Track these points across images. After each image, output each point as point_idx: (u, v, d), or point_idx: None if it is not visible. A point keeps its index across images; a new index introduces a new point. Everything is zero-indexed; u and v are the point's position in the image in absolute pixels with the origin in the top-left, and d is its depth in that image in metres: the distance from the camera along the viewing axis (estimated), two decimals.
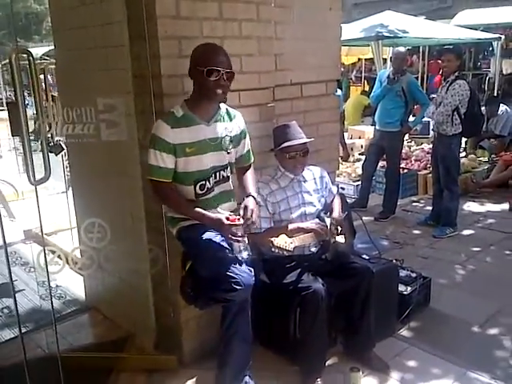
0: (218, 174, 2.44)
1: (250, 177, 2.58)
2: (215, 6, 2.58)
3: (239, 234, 2.29)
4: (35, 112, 2.54)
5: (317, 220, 2.72)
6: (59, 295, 3.70)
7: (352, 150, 7.56)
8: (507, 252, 4.51)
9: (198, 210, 2.33)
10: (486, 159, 6.90)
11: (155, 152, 2.27)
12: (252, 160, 2.66)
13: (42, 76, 3.53)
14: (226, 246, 2.34)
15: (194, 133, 2.33)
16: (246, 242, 2.43)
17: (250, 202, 2.40)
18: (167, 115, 2.32)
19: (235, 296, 2.30)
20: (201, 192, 2.40)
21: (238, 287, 2.23)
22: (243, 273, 2.28)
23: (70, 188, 3.63)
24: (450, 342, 3.10)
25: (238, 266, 2.29)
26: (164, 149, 2.27)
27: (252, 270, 2.36)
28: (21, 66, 2.33)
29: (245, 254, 2.45)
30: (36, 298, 3.53)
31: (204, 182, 2.39)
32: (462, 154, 6.55)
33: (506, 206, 5.73)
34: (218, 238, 2.32)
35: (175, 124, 2.28)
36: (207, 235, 2.32)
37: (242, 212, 2.34)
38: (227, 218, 2.28)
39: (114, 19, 2.57)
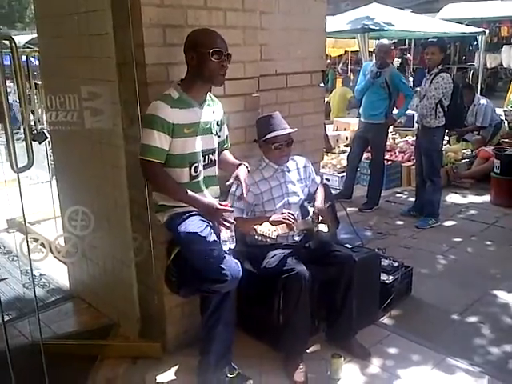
0: (207, 157, 2.48)
1: (228, 153, 2.65)
2: None
3: (230, 220, 2.32)
4: (18, 99, 2.53)
5: (284, 210, 2.71)
6: (43, 284, 3.69)
7: (337, 141, 7.60)
8: (488, 243, 4.60)
9: (190, 193, 2.35)
10: (470, 152, 7.01)
11: (152, 131, 2.26)
12: (229, 146, 2.71)
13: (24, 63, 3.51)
14: (215, 238, 2.35)
15: (190, 115, 2.35)
16: (233, 233, 2.46)
17: (241, 171, 2.48)
18: (164, 96, 2.31)
19: (222, 287, 2.32)
20: (195, 174, 2.42)
21: (225, 278, 2.25)
22: (231, 265, 2.30)
23: (54, 177, 3.61)
24: (430, 330, 3.16)
25: (226, 257, 2.31)
26: (163, 128, 2.26)
27: (239, 262, 2.39)
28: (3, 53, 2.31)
29: (232, 245, 2.48)
30: (19, 286, 3.52)
31: (197, 165, 2.42)
32: (446, 146, 6.65)
33: (487, 197, 5.83)
34: (208, 230, 2.32)
35: (174, 104, 2.29)
36: (198, 224, 2.33)
37: (231, 180, 2.44)
38: (220, 203, 2.32)
39: (98, 7, 2.55)
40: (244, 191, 2.45)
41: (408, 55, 14.08)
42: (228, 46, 2.36)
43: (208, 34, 2.35)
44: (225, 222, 2.31)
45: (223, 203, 2.35)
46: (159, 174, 2.33)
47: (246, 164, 2.56)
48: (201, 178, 2.46)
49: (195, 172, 2.42)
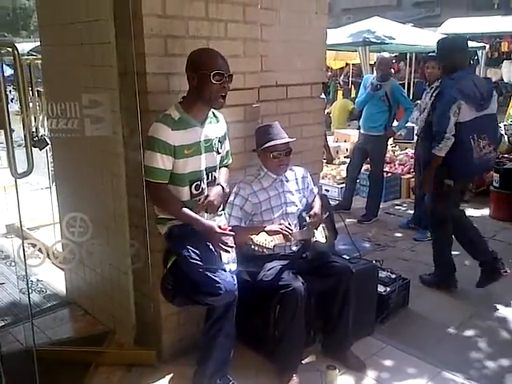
0: (210, 174, 2.50)
1: (223, 171, 2.64)
2: (201, 6, 2.60)
3: (229, 244, 2.34)
4: (19, 106, 2.55)
5: (282, 221, 2.72)
6: (40, 289, 3.70)
7: (337, 153, 7.62)
8: None
9: (192, 214, 2.37)
10: None
11: (155, 154, 2.30)
12: (230, 161, 2.72)
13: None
14: (213, 254, 2.36)
15: (190, 135, 2.37)
16: (234, 254, 2.47)
17: (215, 188, 2.48)
18: (164, 118, 2.34)
19: (215, 301, 2.33)
20: (196, 192, 2.44)
21: (219, 292, 2.25)
22: (226, 279, 2.31)
23: (54, 183, 3.63)
24: (427, 343, 3.15)
25: (222, 271, 2.32)
26: (165, 150, 2.30)
27: (235, 277, 2.40)
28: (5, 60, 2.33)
29: (233, 267, 2.50)
30: (16, 291, 3.52)
31: (199, 183, 2.44)
32: None
33: (486, 211, 5.83)
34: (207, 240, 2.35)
35: (174, 126, 2.32)
36: (197, 236, 2.35)
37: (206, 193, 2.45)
38: (219, 227, 2.34)
39: (101, 16, 2.58)
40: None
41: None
42: (228, 57, 2.38)
43: (209, 54, 2.36)
44: (224, 246, 2.33)
45: (222, 227, 2.38)
46: (164, 194, 2.39)
47: (224, 185, 2.55)
48: (203, 195, 2.46)
49: (196, 190, 2.44)
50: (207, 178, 2.48)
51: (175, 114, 2.35)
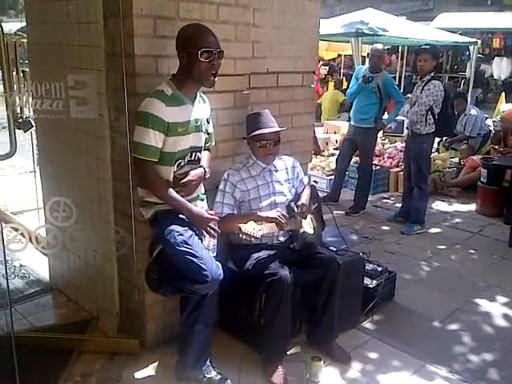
0: (194, 154, 2.43)
1: (206, 154, 2.58)
2: None
3: (216, 229, 2.31)
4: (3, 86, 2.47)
5: (278, 209, 2.70)
6: (23, 275, 3.64)
7: (327, 144, 7.61)
8: (471, 251, 4.62)
9: (180, 198, 2.31)
10: (458, 160, 7.05)
11: (147, 130, 2.20)
12: (213, 144, 2.67)
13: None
14: (198, 240, 2.33)
15: (183, 112, 2.31)
16: (215, 241, 2.45)
17: (197, 170, 2.43)
18: (157, 93, 2.25)
19: (202, 288, 2.29)
20: (176, 170, 2.38)
21: (206, 279, 2.22)
22: (212, 266, 2.27)
23: (38, 167, 3.55)
24: (411, 336, 3.16)
25: (208, 259, 2.28)
26: (158, 127, 2.21)
27: (220, 264, 2.36)
28: None
29: (213, 254, 2.47)
30: None
31: (181, 161, 2.38)
32: (434, 154, 6.69)
33: (473, 206, 5.86)
34: (190, 232, 2.30)
35: (168, 102, 2.24)
36: (183, 223, 2.31)
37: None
38: (207, 212, 2.32)
39: None
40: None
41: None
42: (220, 41, 2.32)
43: (197, 31, 2.28)
44: (211, 231, 2.30)
45: (210, 212, 2.35)
46: (152, 173, 2.29)
47: (207, 169, 2.49)
48: (183, 173, 2.40)
49: (177, 167, 2.38)
50: (190, 157, 2.41)
51: (168, 90, 2.27)
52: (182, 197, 2.35)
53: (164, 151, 2.29)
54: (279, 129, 2.75)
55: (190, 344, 2.47)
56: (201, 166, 2.47)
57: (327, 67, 12.58)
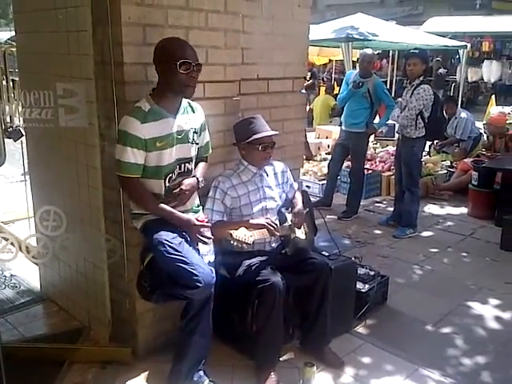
0: (183, 165, 2.44)
1: (200, 165, 2.60)
2: None
3: (207, 236, 2.31)
4: None
5: (268, 216, 2.71)
6: (13, 284, 3.61)
7: (319, 149, 7.62)
8: (463, 254, 4.64)
9: (167, 208, 2.33)
10: (449, 163, 7.09)
11: (125, 148, 2.23)
12: (210, 152, 2.67)
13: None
14: (189, 245, 2.33)
15: (162, 126, 2.31)
16: (212, 245, 2.44)
17: (189, 179, 2.44)
18: (134, 111, 2.27)
19: (194, 294, 2.28)
20: (168, 184, 2.40)
21: (198, 284, 2.21)
22: (204, 271, 2.27)
23: (28, 176, 3.53)
24: (404, 340, 3.16)
25: (200, 264, 2.28)
26: (136, 144, 2.24)
27: (213, 269, 2.36)
28: None
29: (211, 258, 2.48)
30: None
31: (171, 175, 2.40)
32: (425, 157, 6.73)
33: (464, 209, 5.89)
34: (179, 239, 2.31)
35: (144, 119, 2.25)
36: (174, 229, 2.32)
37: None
38: (196, 219, 2.32)
39: (77, 3, 2.49)
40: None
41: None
42: (209, 47, 2.33)
43: (174, 44, 2.29)
44: (202, 238, 2.32)
45: (200, 218, 2.36)
46: (137, 188, 2.33)
47: (200, 178, 2.50)
48: (176, 184, 2.41)
49: (169, 182, 2.39)
50: (179, 169, 2.42)
51: (146, 105, 2.29)
52: (176, 207, 2.36)
53: (149, 166, 2.32)
54: (277, 132, 2.79)
55: (186, 353, 2.46)
56: (193, 176, 2.47)
57: (309, 73, 12.60)
